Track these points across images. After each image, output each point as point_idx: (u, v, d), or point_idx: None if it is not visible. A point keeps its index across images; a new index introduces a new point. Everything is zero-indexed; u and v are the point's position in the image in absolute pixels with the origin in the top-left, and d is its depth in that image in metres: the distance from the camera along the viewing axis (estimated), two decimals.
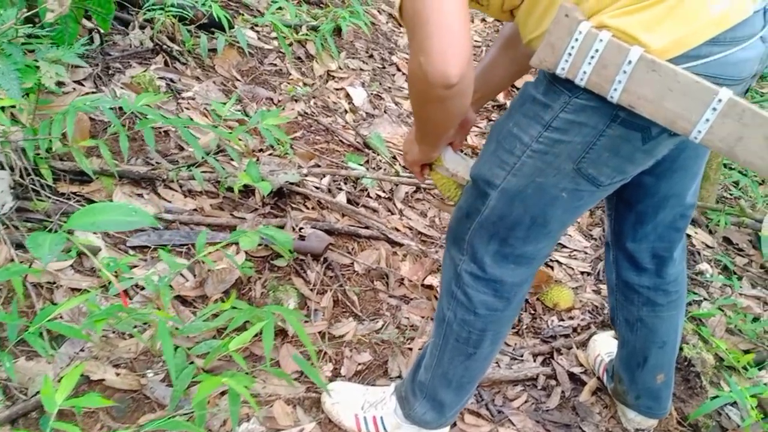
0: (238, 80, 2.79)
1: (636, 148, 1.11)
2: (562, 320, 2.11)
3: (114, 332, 1.66)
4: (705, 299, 2.31)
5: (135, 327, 1.64)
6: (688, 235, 2.65)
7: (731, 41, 1.00)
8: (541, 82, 1.14)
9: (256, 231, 1.84)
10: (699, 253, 2.54)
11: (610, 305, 1.68)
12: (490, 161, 1.24)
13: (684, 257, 1.58)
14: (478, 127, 3.23)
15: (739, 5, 1.00)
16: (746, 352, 2.07)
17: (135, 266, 1.81)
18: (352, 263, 2.12)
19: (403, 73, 3.43)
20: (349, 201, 2.37)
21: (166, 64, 2.64)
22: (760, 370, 1.99)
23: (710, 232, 2.71)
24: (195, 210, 2.07)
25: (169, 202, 2.05)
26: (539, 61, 1.08)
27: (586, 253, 2.46)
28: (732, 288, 2.34)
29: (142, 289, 1.74)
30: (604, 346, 1.92)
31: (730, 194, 3.01)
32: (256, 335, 1.53)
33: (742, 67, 1.04)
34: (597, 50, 1.01)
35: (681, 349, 1.88)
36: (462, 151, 1.51)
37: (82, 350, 1.61)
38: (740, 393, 1.67)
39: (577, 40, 1.03)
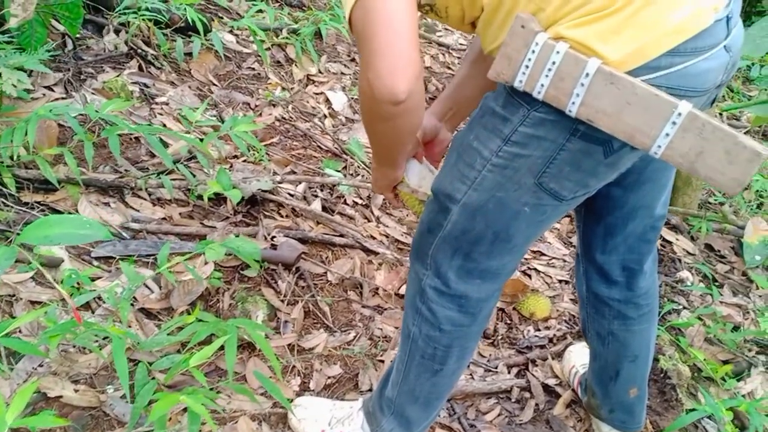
0: (214, 85, 2.75)
1: (598, 162, 1.08)
2: (539, 330, 2.07)
3: (74, 347, 1.62)
4: (685, 308, 2.27)
5: (95, 342, 1.60)
6: (669, 242, 2.62)
7: (692, 51, 0.97)
8: (501, 94, 1.10)
9: (222, 242, 1.80)
10: (680, 261, 2.51)
11: (581, 318, 1.64)
12: (450, 175, 1.20)
13: (655, 269, 1.54)
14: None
15: (700, 14, 0.96)
16: (725, 362, 2.04)
17: (98, 278, 1.77)
18: (326, 273, 2.08)
19: None
20: (324, 208, 2.33)
21: (140, 68, 2.60)
22: (738, 381, 1.96)
23: (692, 239, 2.68)
24: (164, 219, 2.03)
25: (137, 210, 2.01)
26: (496, 73, 1.05)
27: (564, 261, 2.42)
28: (712, 297, 2.31)
29: (105, 301, 1.70)
30: (579, 357, 1.88)
31: (715, 200, 2.98)
32: (221, 349, 1.50)
33: (705, 78, 1.00)
34: (554, 62, 0.98)
35: (657, 360, 1.85)
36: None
37: (40, 365, 1.57)
38: (716, 406, 1.63)
39: (533, 51, 0.99)
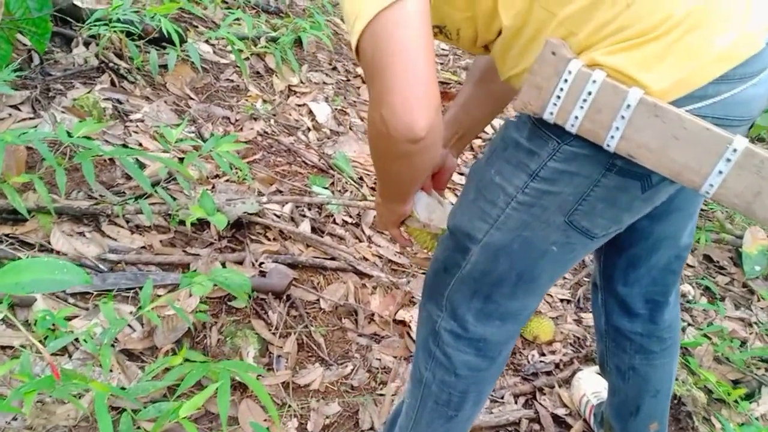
0: (191, 99, 2.61)
1: (634, 197, 0.99)
2: (544, 355, 1.98)
3: (51, 397, 1.48)
4: (689, 324, 2.20)
5: (73, 392, 1.47)
6: None
7: (741, 78, 0.87)
8: (525, 124, 0.99)
9: (209, 274, 1.67)
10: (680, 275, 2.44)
11: (599, 351, 1.55)
12: (470, 212, 1.10)
13: (678, 301, 1.45)
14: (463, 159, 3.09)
15: (749, 38, 0.87)
16: (735, 382, 1.97)
17: (75, 317, 1.63)
18: (318, 300, 1.97)
19: None
20: (313, 229, 2.21)
21: (112, 83, 2.45)
22: (750, 402, 1.89)
23: (691, 251, 2.61)
24: (143, 247, 1.90)
25: (115, 239, 1.87)
26: (523, 105, 0.94)
27: (564, 278, 2.33)
28: (717, 312, 2.24)
29: (84, 341, 1.56)
30: (590, 385, 1.79)
31: (709, 208, 2.92)
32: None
33: (752, 106, 0.91)
34: (590, 92, 0.88)
35: None
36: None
37: (14, 419, 1.43)
38: None
39: (566, 81, 0.89)
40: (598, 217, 1.01)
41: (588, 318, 2.14)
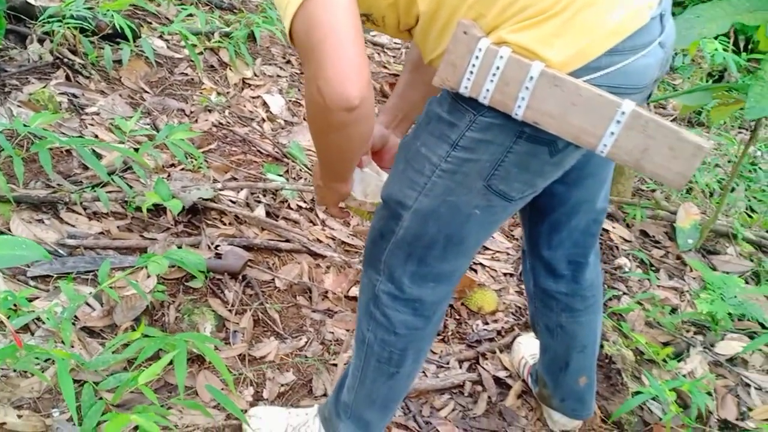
0: (146, 92, 2.68)
1: (544, 162, 1.10)
2: (487, 324, 2.10)
3: (15, 371, 1.55)
4: (624, 293, 2.35)
5: (36, 365, 1.54)
6: (606, 231, 2.70)
7: (631, 49, 0.99)
8: (445, 99, 1.11)
9: (164, 254, 1.76)
10: (617, 248, 2.59)
11: (529, 312, 1.67)
12: (400, 181, 1.21)
13: (598, 261, 1.59)
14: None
15: (636, 13, 0.99)
16: (665, 344, 2.11)
17: (36, 298, 1.70)
18: (273, 279, 2.06)
19: None
20: (268, 214, 2.30)
21: (67, 78, 2.51)
22: (678, 362, 2.03)
23: (627, 226, 2.76)
24: (101, 233, 1.97)
25: (73, 226, 1.94)
26: (441, 80, 1.06)
27: (508, 254, 2.46)
28: (650, 281, 2.38)
29: (44, 322, 1.63)
30: (528, 348, 1.92)
31: (647, 187, 3.08)
32: (170, 364, 1.46)
33: (644, 75, 1.03)
34: (498, 67, 0.99)
35: (601, 346, 1.90)
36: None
37: None
38: (659, 388, 1.69)
39: (477, 57, 1.00)
40: (514, 181, 1.12)
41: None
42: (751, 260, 2.70)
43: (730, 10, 2.24)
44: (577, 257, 1.51)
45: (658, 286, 2.41)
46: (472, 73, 1.01)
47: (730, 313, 2.10)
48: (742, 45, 4.77)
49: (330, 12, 0.93)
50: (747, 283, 2.57)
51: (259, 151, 2.65)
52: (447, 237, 1.21)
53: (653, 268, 2.55)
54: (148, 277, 1.86)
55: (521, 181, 1.13)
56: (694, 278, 2.55)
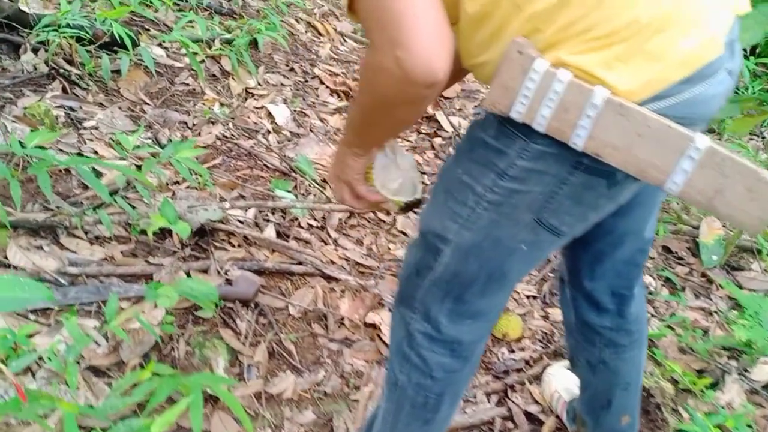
0: (146, 104, 2.55)
1: (600, 195, 1.00)
2: (513, 351, 1.99)
3: (16, 419, 1.42)
4: (653, 315, 2.24)
5: (40, 413, 1.41)
6: None
7: (701, 78, 0.89)
8: (491, 123, 0.99)
9: (174, 285, 1.63)
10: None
11: (568, 346, 1.56)
12: (440, 213, 1.09)
13: (643, 292, 1.48)
14: (408, 141, 3.09)
15: (711, 41, 0.88)
16: (699, 371, 2.01)
17: (36, 333, 1.57)
18: (286, 306, 1.94)
19: (327, 87, 3.25)
20: (278, 234, 2.18)
21: (64, 90, 2.38)
22: (715, 390, 1.93)
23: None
24: (104, 259, 1.84)
25: (74, 252, 1.81)
26: (491, 104, 0.95)
27: (530, 274, 2.35)
28: (679, 302, 2.28)
29: (46, 361, 1.51)
30: (560, 380, 1.81)
31: (666, 199, 2.98)
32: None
33: (711, 105, 0.93)
34: (556, 92, 0.88)
35: None
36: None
37: None
38: (704, 425, 1.59)
39: (533, 80, 0.89)
40: (566, 214, 1.01)
41: (554, 313, 2.16)
42: None
43: (762, 20, 2.15)
44: (621, 289, 1.40)
45: (686, 306, 2.31)
46: (526, 96, 0.90)
47: None
48: (749, 49, 4.69)
49: None
50: None
51: (265, 165, 2.53)
52: (488, 273, 1.10)
53: (679, 287, 2.44)
54: (156, 307, 1.74)
55: (573, 215, 1.02)
56: (720, 297, 2.45)
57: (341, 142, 1.16)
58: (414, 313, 1.20)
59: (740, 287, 2.53)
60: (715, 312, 2.36)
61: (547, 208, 1.00)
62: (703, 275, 2.56)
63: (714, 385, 1.96)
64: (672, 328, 2.14)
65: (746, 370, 2.07)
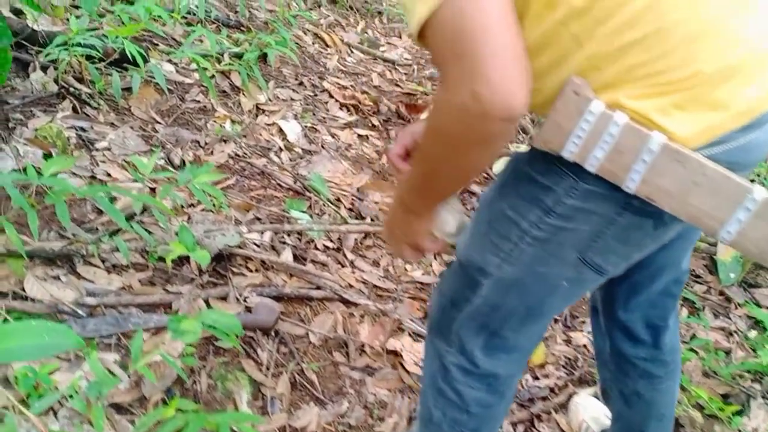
0: (158, 122, 2.51)
1: (646, 235, 0.98)
2: (537, 378, 1.96)
3: None
4: None
5: None
6: None
7: (757, 125, 0.88)
8: (537, 159, 0.97)
9: (197, 317, 1.60)
10: None
11: (601, 377, 1.54)
12: (481, 245, 1.07)
13: (677, 322, 1.46)
14: None
15: None
16: (724, 396, 1.99)
17: (56, 370, 1.54)
18: (307, 333, 1.90)
19: (337, 101, 3.22)
20: (295, 257, 2.15)
21: (74, 110, 2.34)
22: (741, 417, 1.91)
23: None
24: (122, 288, 1.81)
25: (91, 281, 1.78)
26: (543, 142, 0.92)
27: None
28: (701, 324, 2.25)
29: (70, 396, 1.47)
30: (588, 410, 1.78)
31: None
32: None
33: (762, 150, 0.92)
34: (612, 134, 0.86)
35: None
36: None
37: None
38: None
39: (588, 121, 0.87)
40: (611, 254, 1.00)
41: (576, 337, 2.13)
42: None
43: None
44: (657, 320, 1.38)
45: (702, 326, 2.28)
46: (580, 137, 0.89)
47: None
48: None
49: (487, 5, 0.76)
50: None
51: (279, 184, 2.49)
52: (527, 308, 1.09)
53: (699, 307, 2.42)
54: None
55: (618, 254, 1.01)
56: (740, 316, 2.43)
57: (398, 207, 1.09)
58: (449, 346, 1.18)
59: (758, 305, 2.51)
60: (735, 332, 2.34)
61: (592, 247, 0.98)
62: (721, 293, 2.53)
63: (739, 410, 1.94)
64: (695, 351, 2.12)
65: None
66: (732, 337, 2.31)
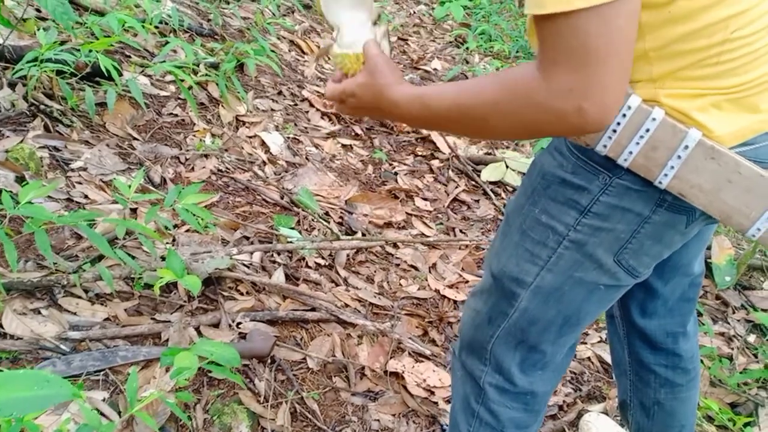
0: (135, 139, 2.40)
1: (678, 232, 0.97)
2: None
3: None
4: None
5: None
6: None
7: None
8: (567, 159, 0.95)
9: (191, 349, 1.50)
10: None
11: (620, 387, 1.50)
12: (516, 255, 1.03)
13: (697, 329, 1.42)
14: (405, 164, 2.99)
15: None
16: (732, 405, 1.95)
17: (42, 413, 1.43)
18: (304, 358, 1.82)
19: (318, 110, 3.13)
20: (287, 277, 2.06)
21: (46, 128, 2.22)
22: (752, 427, 1.87)
23: None
24: (107, 319, 1.70)
25: (74, 314, 1.67)
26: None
27: None
28: (706, 333, 2.21)
29: None
30: (599, 428, 1.72)
31: None
32: None
33: None
34: (648, 129, 0.86)
35: None
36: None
37: None
38: None
39: (624, 116, 0.86)
40: (645, 254, 0.98)
41: (581, 350, 2.08)
42: None
43: None
44: (675, 326, 1.36)
45: (705, 333, 2.25)
46: (615, 131, 0.87)
47: None
48: None
49: (632, 23, 0.71)
50: None
51: (265, 200, 2.40)
52: (565, 317, 1.05)
53: (699, 313, 2.38)
54: (168, 370, 1.61)
55: (651, 255, 0.99)
56: (738, 320, 2.40)
57: (393, 98, 0.91)
58: (485, 365, 1.14)
59: (754, 308, 2.49)
60: (735, 337, 2.31)
61: (628, 248, 0.96)
62: (717, 297, 2.51)
63: (748, 418, 1.90)
64: (701, 361, 2.07)
65: None
66: (732, 342, 2.27)
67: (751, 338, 2.33)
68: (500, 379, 1.13)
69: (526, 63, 0.77)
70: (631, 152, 0.88)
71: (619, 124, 0.86)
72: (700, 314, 2.37)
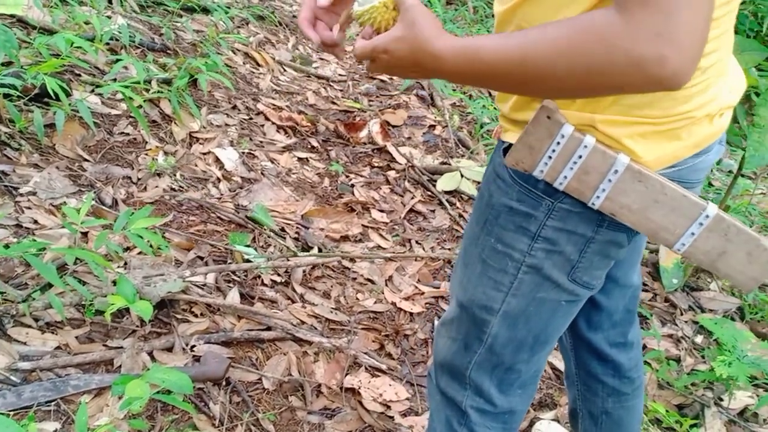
0: (86, 160, 2.38)
1: (620, 247, 1.03)
2: None
3: None
4: None
5: None
6: None
7: (704, 151, 0.97)
8: (511, 187, 0.99)
9: (143, 377, 1.50)
10: None
11: (570, 397, 1.55)
12: (481, 283, 1.07)
13: (640, 339, 1.48)
14: (361, 176, 3.01)
15: (726, 118, 0.99)
16: (679, 406, 2.02)
17: None
18: (260, 379, 1.83)
19: (273, 123, 3.14)
20: (242, 296, 2.06)
21: None
22: (699, 428, 1.93)
23: None
24: (59, 348, 1.69)
25: (24, 344, 1.66)
26: (515, 161, 0.96)
27: None
28: (654, 336, 2.27)
29: None
30: None
31: None
32: None
33: (706, 170, 1.03)
34: (580, 156, 0.91)
35: None
36: None
37: None
38: None
39: (558, 143, 0.91)
40: (595, 269, 1.04)
41: None
42: (733, 294, 2.65)
43: None
44: (618, 337, 1.42)
45: (653, 337, 2.31)
46: (550, 158, 0.93)
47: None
48: None
49: None
50: (733, 320, 2.52)
51: (219, 218, 2.40)
52: (535, 336, 1.10)
53: (648, 316, 2.45)
54: (120, 398, 1.60)
55: (601, 269, 1.06)
56: (686, 322, 2.47)
57: (436, 52, 0.85)
58: (465, 390, 1.18)
59: (702, 309, 2.56)
60: (683, 338, 2.38)
61: (578, 267, 1.01)
62: (666, 300, 2.58)
63: (695, 420, 1.96)
64: (649, 364, 2.14)
65: (720, 399, 2.09)
66: (680, 344, 2.34)
67: (699, 339, 2.40)
68: (481, 401, 1.16)
69: (600, 8, 0.74)
70: (566, 177, 0.93)
71: (554, 151, 0.91)
72: (647, 318, 2.44)
